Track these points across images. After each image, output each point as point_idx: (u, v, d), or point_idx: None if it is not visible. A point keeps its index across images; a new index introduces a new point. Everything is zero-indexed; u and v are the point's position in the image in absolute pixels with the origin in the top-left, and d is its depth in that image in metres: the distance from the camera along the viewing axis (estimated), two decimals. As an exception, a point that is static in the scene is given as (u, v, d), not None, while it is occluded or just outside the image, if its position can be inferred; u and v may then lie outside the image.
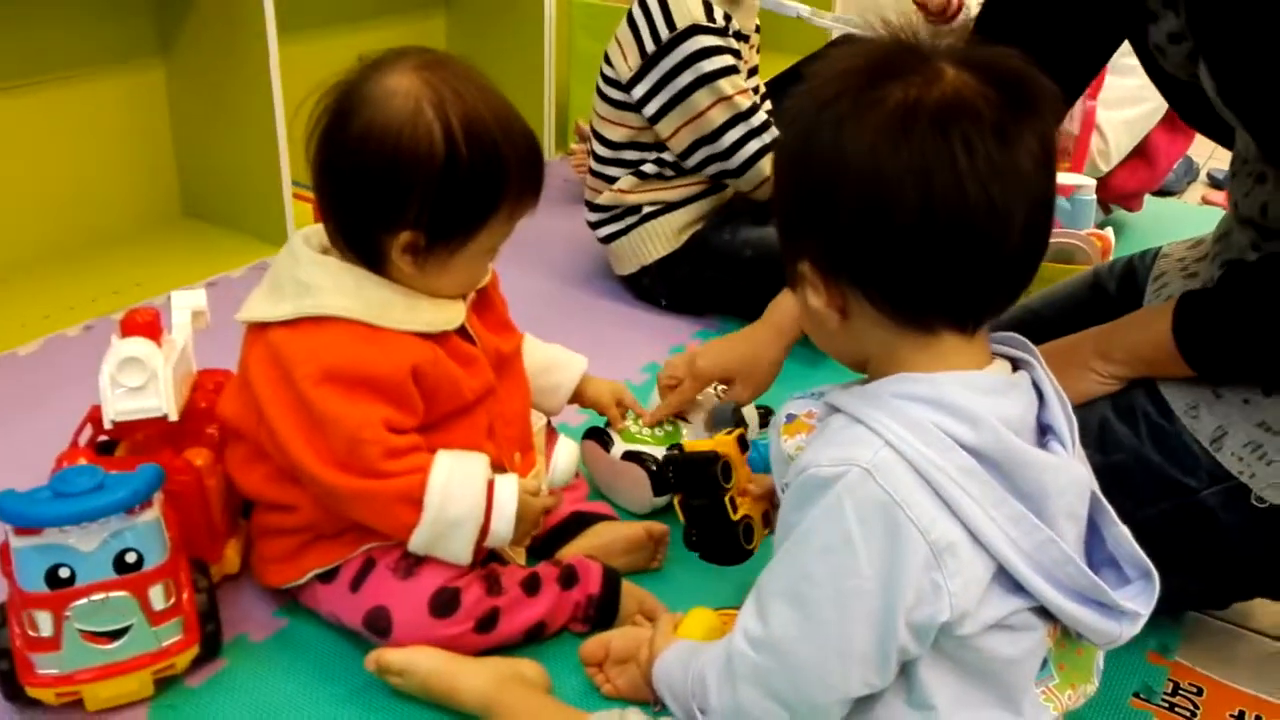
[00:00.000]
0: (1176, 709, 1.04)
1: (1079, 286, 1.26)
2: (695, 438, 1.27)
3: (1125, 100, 1.99)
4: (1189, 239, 1.19)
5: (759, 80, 1.81)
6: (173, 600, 0.96)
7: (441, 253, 0.97)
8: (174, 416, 1.01)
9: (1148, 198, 2.22)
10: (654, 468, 1.22)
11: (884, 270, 0.70)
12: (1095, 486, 0.77)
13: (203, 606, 0.99)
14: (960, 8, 2.25)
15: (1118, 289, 1.21)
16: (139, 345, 1.00)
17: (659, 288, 1.79)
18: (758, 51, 1.82)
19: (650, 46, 1.66)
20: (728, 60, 1.65)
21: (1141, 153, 2.10)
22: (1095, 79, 1.81)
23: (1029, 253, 0.71)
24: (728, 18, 1.68)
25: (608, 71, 1.74)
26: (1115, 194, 2.14)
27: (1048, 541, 0.71)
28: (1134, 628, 0.74)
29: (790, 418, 0.82)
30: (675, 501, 1.03)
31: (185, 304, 1.12)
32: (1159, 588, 0.75)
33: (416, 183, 0.93)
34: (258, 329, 0.99)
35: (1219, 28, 0.87)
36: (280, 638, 1.06)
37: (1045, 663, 0.77)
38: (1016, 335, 0.78)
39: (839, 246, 0.71)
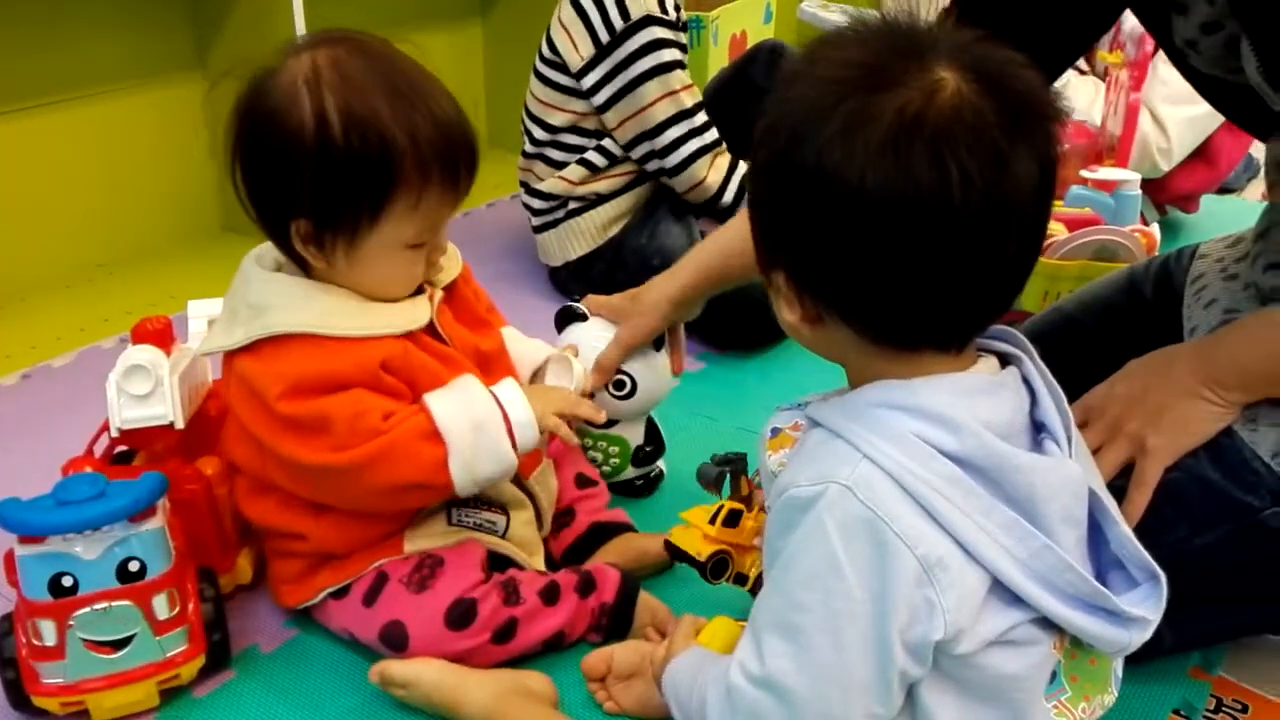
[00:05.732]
0: (1220, 727, 0.99)
1: (1114, 291, 1.19)
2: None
3: (1189, 97, 1.91)
4: (1226, 236, 1.13)
5: None
6: (177, 610, 0.95)
7: (342, 243, 0.94)
8: (180, 424, 1.00)
9: (1205, 196, 2.14)
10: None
11: (863, 297, 0.67)
12: (1096, 483, 0.73)
13: (209, 616, 0.98)
14: None
15: (1154, 293, 1.15)
16: (145, 353, 0.99)
17: (574, 285, 1.76)
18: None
19: (604, 35, 1.64)
20: (677, 54, 1.66)
21: (1202, 154, 2.01)
22: (1141, 73, 1.76)
23: (1017, 276, 0.68)
24: (677, 7, 1.69)
25: (548, 54, 1.71)
26: (1172, 195, 2.05)
27: (1043, 548, 0.67)
28: (1144, 634, 0.70)
29: (775, 431, 0.78)
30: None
31: (202, 313, 1.12)
32: (1167, 590, 0.71)
33: (295, 166, 0.92)
34: (227, 359, 0.98)
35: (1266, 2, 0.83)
36: (290, 649, 1.05)
37: (1055, 675, 0.73)
38: (1005, 328, 0.74)
39: (817, 268, 0.68)
